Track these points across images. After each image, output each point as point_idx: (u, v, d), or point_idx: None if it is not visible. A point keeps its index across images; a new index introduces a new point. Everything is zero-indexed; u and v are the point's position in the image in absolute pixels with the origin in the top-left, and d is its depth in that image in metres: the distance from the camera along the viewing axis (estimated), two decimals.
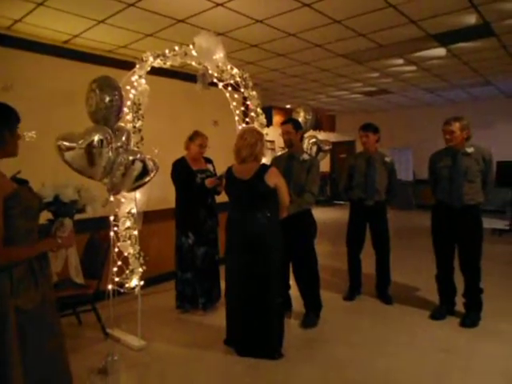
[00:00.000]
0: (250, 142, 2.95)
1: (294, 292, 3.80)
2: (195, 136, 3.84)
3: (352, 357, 2.99)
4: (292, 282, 3.73)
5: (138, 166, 2.98)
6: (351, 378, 2.70)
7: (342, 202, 11.74)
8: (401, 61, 5.75)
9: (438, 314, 3.64)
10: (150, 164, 3.07)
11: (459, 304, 3.61)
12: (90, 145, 2.82)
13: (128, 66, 3.44)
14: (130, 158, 2.97)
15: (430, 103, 9.96)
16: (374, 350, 3.09)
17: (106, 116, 2.96)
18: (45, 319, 1.80)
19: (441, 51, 5.24)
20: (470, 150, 3.42)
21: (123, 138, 3.07)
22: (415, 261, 5.61)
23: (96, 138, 2.84)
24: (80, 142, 2.83)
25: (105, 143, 2.86)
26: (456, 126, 3.38)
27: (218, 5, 3.49)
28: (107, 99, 2.93)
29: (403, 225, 8.42)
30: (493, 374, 2.72)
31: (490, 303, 3.65)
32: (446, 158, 3.52)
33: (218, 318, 3.62)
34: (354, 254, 4.19)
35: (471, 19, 4.07)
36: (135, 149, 3.13)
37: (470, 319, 3.46)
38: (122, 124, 3.17)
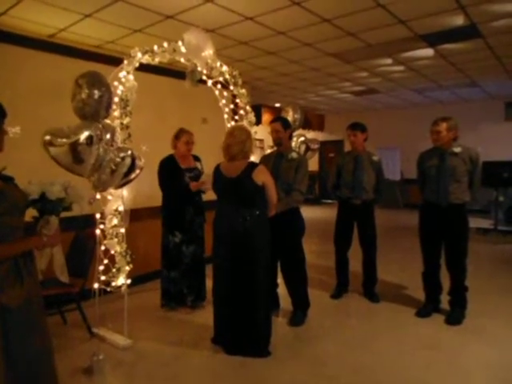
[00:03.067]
0: (240, 140, 2.95)
1: (281, 290, 3.80)
2: (180, 133, 3.81)
3: (339, 354, 3.01)
4: (280, 280, 3.74)
5: (128, 162, 2.94)
6: (338, 375, 2.72)
7: (330, 201, 11.81)
8: (389, 61, 5.79)
9: (423, 311, 3.68)
10: (139, 161, 3.04)
11: (445, 302, 3.66)
12: (78, 142, 2.77)
13: (116, 61, 3.39)
14: (121, 154, 2.93)
15: (418, 104, 10.07)
16: (360, 347, 3.11)
17: (95, 112, 2.90)
18: (30, 318, 1.77)
19: (429, 52, 5.29)
20: (457, 149, 3.47)
21: (108, 136, 3.02)
22: (402, 259, 5.67)
23: (86, 134, 2.79)
24: (71, 138, 2.77)
25: (95, 140, 2.82)
26: (443, 126, 3.43)
27: (207, 1, 3.47)
28: (96, 95, 2.86)
29: (390, 224, 8.51)
30: (476, 370, 2.77)
31: (475, 301, 3.71)
32: (433, 158, 3.56)
33: (205, 316, 3.60)
34: (342, 253, 4.21)
35: (459, 20, 4.12)
36: (125, 146, 3.09)
37: (455, 317, 3.51)
38: (108, 121, 3.11)
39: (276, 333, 3.16)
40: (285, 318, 3.63)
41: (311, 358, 2.96)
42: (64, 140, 2.77)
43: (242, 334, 2.98)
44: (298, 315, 3.58)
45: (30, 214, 2.00)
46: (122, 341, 3.16)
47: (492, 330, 3.38)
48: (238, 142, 2.94)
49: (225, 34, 4.36)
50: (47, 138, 2.77)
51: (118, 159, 2.90)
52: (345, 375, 2.73)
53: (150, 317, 3.76)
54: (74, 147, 2.78)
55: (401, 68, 6.27)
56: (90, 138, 2.79)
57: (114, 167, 2.90)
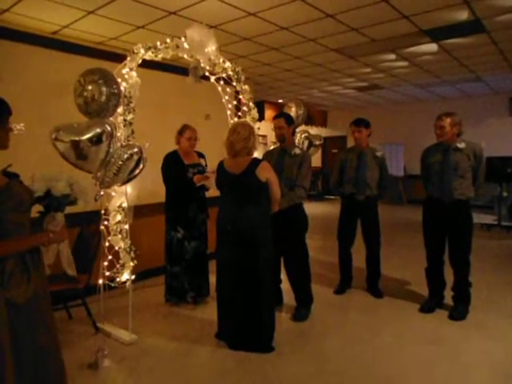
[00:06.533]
0: (244, 136, 2.94)
1: (285, 286, 3.81)
2: (184, 129, 3.83)
3: (342, 349, 3.02)
4: (283, 275, 3.75)
5: (136, 159, 2.96)
6: (341, 370, 2.73)
7: (333, 197, 11.80)
8: (393, 56, 5.77)
9: (426, 307, 3.69)
10: (144, 158, 3.05)
11: (448, 297, 3.66)
12: (88, 139, 2.79)
13: (119, 58, 3.39)
14: (129, 151, 2.94)
15: (421, 99, 10.03)
16: (363, 343, 3.12)
17: (102, 109, 2.92)
18: (37, 313, 1.78)
19: (432, 47, 5.26)
20: (461, 145, 3.46)
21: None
22: (405, 255, 5.67)
23: (97, 131, 2.81)
24: (82, 135, 2.78)
25: (106, 137, 2.83)
26: (447, 121, 3.41)
27: None
28: (106, 92, 2.88)
29: (394, 219, 8.49)
30: (479, 366, 2.77)
31: (478, 297, 3.71)
32: (437, 153, 3.55)
33: (208, 311, 3.62)
34: (345, 248, 4.22)
35: (463, 15, 4.09)
36: (133, 143, 3.10)
37: (458, 312, 3.52)
38: (111, 118, 3.12)
39: (279, 328, 3.17)
40: (288, 313, 3.64)
41: (315, 354, 2.97)
42: (75, 137, 2.77)
43: (246, 329, 2.99)
44: (302, 311, 3.59)
45: (36, 209, 2.01)
46: (126, 336, 3.18)
47: (495, 326, 3.38)
48: (242, 139, 2.94)
49: (228, 30, 4.35)
50: (56, 134, 2.77)
51: (127, 155, 2.91)
52: (348, 370, 2.74)
53: (155, 312, 3.78)
54: (84, 144, 2.79)
55: (404, 63, 6.24)
56: (100, 135, 2.80)
57: (121, 163, 2.91)
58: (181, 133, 3.83)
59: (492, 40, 4.97)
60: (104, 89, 2.87)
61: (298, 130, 4.65)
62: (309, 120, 5.49)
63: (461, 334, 3.25)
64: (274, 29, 4.36)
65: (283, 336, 3.17)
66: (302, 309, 3.60)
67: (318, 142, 5.10)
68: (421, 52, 5.54)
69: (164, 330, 3.41)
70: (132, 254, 3.24)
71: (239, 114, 4.08)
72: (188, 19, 3.88)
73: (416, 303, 3.82)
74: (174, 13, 3.79)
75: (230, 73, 3.84)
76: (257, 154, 3.28)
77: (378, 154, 4.12)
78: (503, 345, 3.06)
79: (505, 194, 7.66)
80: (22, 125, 2.04)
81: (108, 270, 3.32)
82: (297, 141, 4.70)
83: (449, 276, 3.62)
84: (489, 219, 7.79)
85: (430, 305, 3.69)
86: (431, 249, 3.66)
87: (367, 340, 3.18)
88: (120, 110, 3.13)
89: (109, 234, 3.27)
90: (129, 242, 3.24)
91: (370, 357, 2.91)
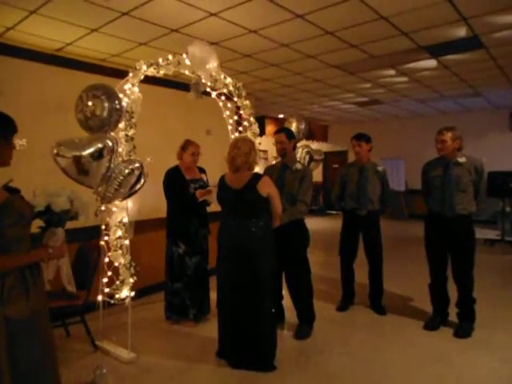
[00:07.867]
0: (245, 151, 2.95)
1: (287, 302, 3.76)
2: (187, 145, 3.83)
3: (345, 368, 2.96)
4: (285, 292, 3.70)
5: (137, 174, 2.96)
6: None
7: (334, 212, 11.77)
8: (392, 72, 5.82)
9: (431, 324, 3.62)
10: (145, 173, 3.05)
11: (452, 314, 3.60)
12: (90, 154, 2.79)
13: (121, 74, 3.42)
14: (130, 166, 2.94)
15: (422, 114, 10.08)
16: (367, 361, 3.06)
17: (103, 124, 2.93)
18: (36, 330, 1.76)
19: (432, 63, 5.31)
20: (461, 159, 3.45)
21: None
22: (408, 270, 5.61)
23: (99, 147, 2.81)
24: (84, 150, 2.79)
25: (107, 152, 2.84)
26: (448, 135, 3.42)
27: (211, 14, 3.51)
28: (108, 108, 2.90)
29: (396, 234, 8.44)
30: None
31: (483, 313, 3.65)
32: (438, 168, 3.54)
33: (209, 329, 3.56)
34: (347, 264, 4.17)
35: (461, 32, 4.14)
36: (135, 158, 3.11)
37: (464, 329, 3.45)
38: (112, 133, 3.13)
39: (281, 346, 3.11)
40: (290, 331, 3.58)
41: (317, 373, 2.90)
42: (76, 152, 2.78)
43: (247, 347, 2.94)
44: (304, 328, 3.53)
45: (36, 224, 2.00)
46: (125, 354, 3.12)
47: (501, 343, 3.31)
48: (243, 154, 2.94)
49: (229, 47, 4.40)
50: (58, 149, 2.78)
51: (128, 170, 2.91)
52: None
53: (155, 330, 3.72)
54: (86, 159, 2.79)
55: (404, 79, 6.29)
56: (101, 151, 2.81)
57: (122, 178, 2.91)
58: (184, 148, 3.83)
59: (491, 56, 5.02)
60: (106, 104, 2.89)
61: (299, 144, 4.66)
62: (310, 135, 5.50)
63: (466, 351, 3.18)
64: (275, 46, 4.41)
65: (285, 354, 3.11)
66: (305, 326, 3.54)
67: (319, 157, 5.11)
68: (420, 68, 5.60)
69: (164, 348, 3.35)
70: (132, 270, 3.21)
71: (240, 129, 4.10)
72: (190, 36, 3.93)
73: (420, 320, 3.75)
74: (176, 30, 3.85)
75: (231, 88, 3.87)
76: (258, 169, 3.28)
77: (379, 168, 4.12)
78: (510, 363, 2.98)
79: (508, 209, 7.62)
80: (24, 140, 2.05)
81: (107, 287, 3.28)
82: (298, 155, 4.71)
83: (453, 292, 3.57)
84: (492, 234, 7.73)
85: (434, 322, 3.63)
86: (434, 264, 3.61)
87: (371, 358, 3.11)
88: (122, 125, 3.15)
89: (109, 249, 3.25)
90: (129, 257, 3.21)
91: (374, 375, 2.85)
